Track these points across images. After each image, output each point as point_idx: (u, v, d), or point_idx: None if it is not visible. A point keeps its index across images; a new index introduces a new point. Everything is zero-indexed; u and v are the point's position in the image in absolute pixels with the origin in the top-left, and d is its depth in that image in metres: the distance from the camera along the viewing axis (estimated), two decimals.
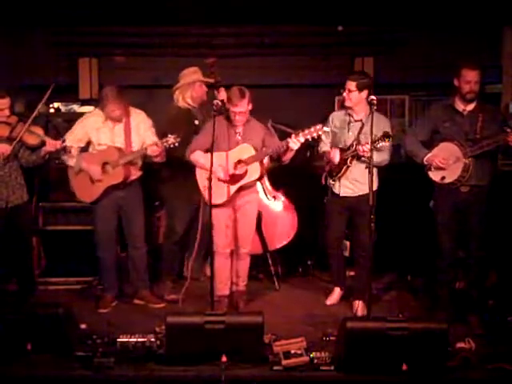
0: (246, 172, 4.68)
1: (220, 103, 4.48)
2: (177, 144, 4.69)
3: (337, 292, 5.18)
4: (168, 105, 5.46)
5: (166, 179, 5.44)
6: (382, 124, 4.71)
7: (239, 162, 4.68)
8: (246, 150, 4.67)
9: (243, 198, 4.82)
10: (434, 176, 4.65)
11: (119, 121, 4.97)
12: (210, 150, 4.55)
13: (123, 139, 4.96)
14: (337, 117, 4.97)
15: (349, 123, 4.85)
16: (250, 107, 4.73)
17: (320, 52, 6.88)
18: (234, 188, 4.72)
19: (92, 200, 5.00)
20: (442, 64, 6.48)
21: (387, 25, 6.67)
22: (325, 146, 4.98)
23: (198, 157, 4.73)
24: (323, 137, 4.96)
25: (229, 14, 6.15)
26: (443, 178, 4.60)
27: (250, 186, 4.83)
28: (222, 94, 5.35)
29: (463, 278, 4.92)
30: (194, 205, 5.15)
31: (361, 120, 4.82)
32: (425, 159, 4.63)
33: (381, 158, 4.67)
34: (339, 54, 6.91)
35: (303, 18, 6.30)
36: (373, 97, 4.44)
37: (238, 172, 4.68)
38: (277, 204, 5.70)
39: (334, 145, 4.94)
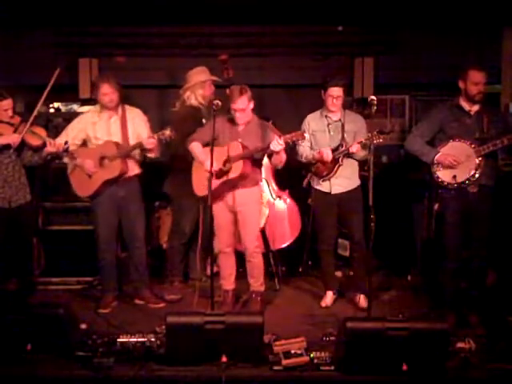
0: (230, 169, 4.71)
1: (220, 103, 4.48)
2: (173, 137, 4.73)
3: (329, 296, 5.18)
4: (171, 104, 5.50)
5: (173, 179, 5.45)
6: (359, 120, 4.99)
7: (228, 159, 4.71)
8: (234, 148, 4.71)
9: (242, 199, 4.82)
10: (445, 176, 4.62)
11: (113, 110, 4.97)
12: (208, 144, 4.62)
13: (119, 131, 4.96)
14: (313, 119, 5.09)
15: (328, 125, 4.99)
16: (252, 105, 4.76)
17: (320, 52, 6.88)
18: (216, 182, 4.71)
19: (89, 194, 4.99)
20: (442, 64, 6.50)
21: (387, 25, 6.67)
22: (306, 150, 5.02)
23: (195, 147, 4.86)
24: (302, 142, 5.02)
25: (229, 14, 6.15)
26: (454, 177, 4.58)
27: (248, 185, 4.81)
28: None
29: (464, 278, 4.91)
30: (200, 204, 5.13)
31: (339, 120, 4.97)
32: (436, 158, 4.63)
33: (364, 153, 4.87)
34: (339, 54, 6.91)
35: (303, 18, 6.29)
36: (373, 97, 4.45)
37: (224, 168, 4.71)
38: (281, 204, 5.70)
39: (314, 148, 5.01)
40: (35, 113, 4.90)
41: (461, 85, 4.63)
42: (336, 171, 4.94)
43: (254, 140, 4.74)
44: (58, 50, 6.56)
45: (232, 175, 4.71)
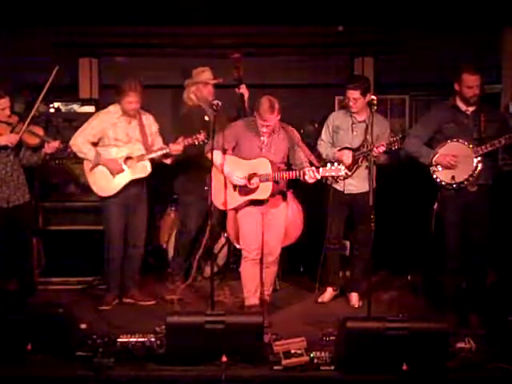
0: (257, 187, 4.61)
1: (220, 103, 4.47)
2: (206, 141, 4.78)
3: (329, 292, 5.21)
4: (167, 104, 5.54)
5: (179, 177, 5.47)
6: (384, 125, 4.96)
7: (254, 175, 4.61)
8: (263, 165, 4.59)
9: (270, 202, 4.72)
10: (443, 176, 4.63)
11: (134, 116, 5.01)
12: (226, 150, 4.61)
13: (139, 134, 5.02)
14: (337, 117, 5.09)
15: (352, 124, 4.98)
16: (279, 117, 4.62)
17: (320, 52, 6.88)
18: (241, 199, 4.67)
19: (111, 194, 4.99)
20: (442, 64, 6.50)
21: (387, 25, 6.67)
22: (327, 149, 5.03)
23: (216, 157, 4.60)
24: (323, 136, 5.05)
25: (229, 14, 6.15)
26: (453, 177, 4.58)
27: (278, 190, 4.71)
28: (243, 90, 5.41)
29: (464, 277, 4.91)
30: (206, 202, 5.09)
31: (364, 121, 4.95)
32: (434, 159, 4.63)
33: (384, 157, 4.91)
34: (339, 54, 6.91)
35: (303, 18, 6.29)
36: (373, 97, 4.46)
37: (250, 186, 4.62)
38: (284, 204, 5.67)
39: (335, 145, 5.00)
40: (33, 112, 4.89)
41: (456, 87, 4.64)
42: (354, 171, 4.95)
43: (278, 151, 4.66)
44: (58, 50, 6.55)
45: (260, 196, 4.61)
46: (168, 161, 5.09)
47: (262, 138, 4.65)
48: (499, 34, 6.65)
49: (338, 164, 4.48)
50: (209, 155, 4.63)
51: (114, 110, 5.06)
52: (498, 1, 5.94)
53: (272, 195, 4.65)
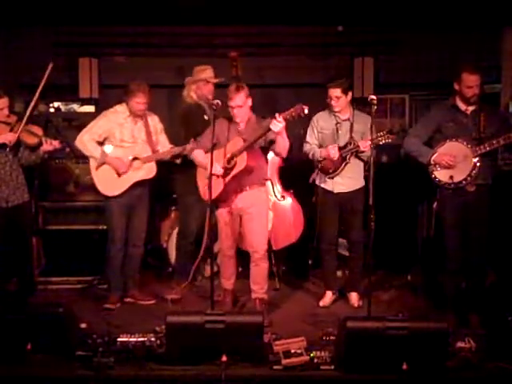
0: (235, 164, 4.66)
1: (220, 102, 4.48)
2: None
3: (329, 296, 5.20)
4: (165, 104, 5.55)
5: (177, 177, 5.47)
6: (368, 120, 4.84)
7: (231, 156, 4.66)
8: (237, 143, 4.66)
9: (249, 201, 4.75)
10: (442, 176, 4.63)
11: (140, 117, 5.03)
12: (210, 150, 4.57)
13: (144, 135, 5.04)
14: (321, 118, 5.12)
15: (337, 123, 5.01)
16: (250, 103, 4.73)
17: (320, 52, 6.89)
18: (226, 181, 4.69)
19: (115, 194, 5.00)
20: (442, 64, 6.51)
21: (387, 25, 6.67)
22: (313, 148, 5.06)
23: (197, 155, 4.83)
24: (308, 138, 5.05)
25: (229, 14, 6.15)
26: (451, 177, 4.59)
27: (255, 185, 4.74)
28: None
29: (464, 277, 4.91)
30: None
31: (348, 119, 5.00)
32: (432, 159, 4.64)
33: (372, 153, 4.79)
34: (339, 54, 6.92)
35: (303, 18, 6.30)
36: (373, 96, 4.46)
37: (229, 166, 4.67)
38: (285, 204, 5.70)
39: (322, 146, 5.06)
40: (29, 110, 4.88)
41: (456, 87, 4.64)
42: (343, 169, 4.97)
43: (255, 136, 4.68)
44: (58, 50, 6.56)
45: (237, 169, 4.63)
46: (178, 160, 5.13)
47: (239, 127, 4.74)
48: (499, 34, 6.66)
49: (302, 105, 4.41)
50: (193, 156, 4.84)
51: (121, 109, 5.05)
52: (498, 1, 5.95)
53: (251, 168, 4.63)
